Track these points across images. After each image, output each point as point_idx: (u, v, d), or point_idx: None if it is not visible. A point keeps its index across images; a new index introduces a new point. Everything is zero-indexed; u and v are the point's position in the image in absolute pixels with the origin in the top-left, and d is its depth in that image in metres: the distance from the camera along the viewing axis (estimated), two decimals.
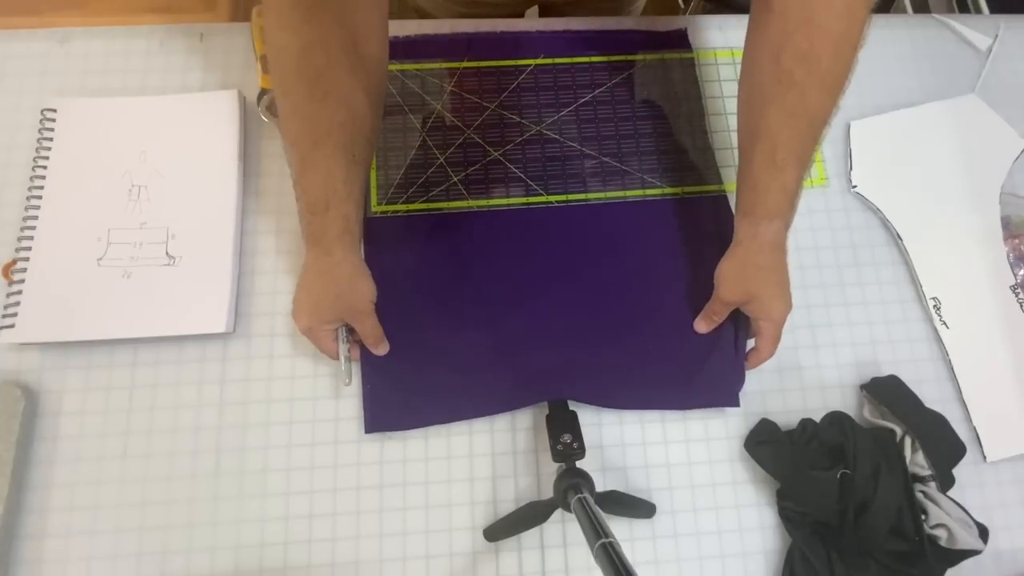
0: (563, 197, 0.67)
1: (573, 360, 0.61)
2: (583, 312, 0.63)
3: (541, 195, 0.67)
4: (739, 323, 0.62)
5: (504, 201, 0.67)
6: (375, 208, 0.66)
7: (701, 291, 0.64)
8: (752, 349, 0.61)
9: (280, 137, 0.54)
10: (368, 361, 0.60)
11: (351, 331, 0.59)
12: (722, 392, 0.61)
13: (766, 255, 0.57)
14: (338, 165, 0.53)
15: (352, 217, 0.55)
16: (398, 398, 0.59)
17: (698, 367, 0.62)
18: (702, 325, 0.62)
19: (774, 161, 0.54)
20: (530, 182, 0.68)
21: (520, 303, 0.63)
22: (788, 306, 0.59)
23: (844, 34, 0.52)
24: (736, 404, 0.61)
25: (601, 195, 0.68)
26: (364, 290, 0.57)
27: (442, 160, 0.68)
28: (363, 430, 0.59)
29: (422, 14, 0.86)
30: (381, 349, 0.60)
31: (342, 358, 0.58)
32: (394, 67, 0.71)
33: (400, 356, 0.61)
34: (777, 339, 0.60)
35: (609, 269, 0.65)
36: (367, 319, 0.58)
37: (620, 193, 0.68)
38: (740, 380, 0.61)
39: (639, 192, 0.68)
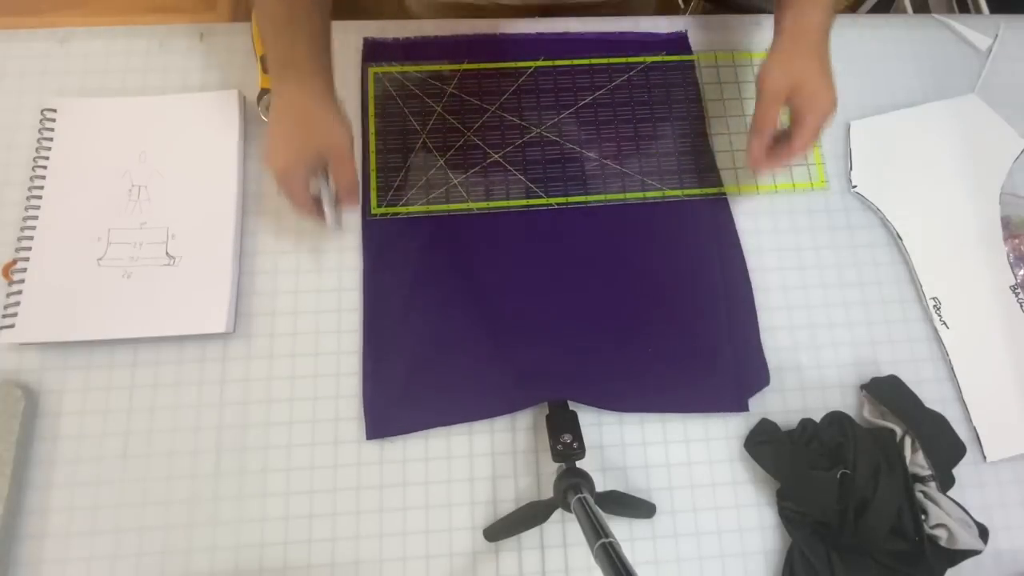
0: (563, 199, 0.67)
1: (573, 362, 0.61)
2: (583, 314, 0.63)
3: (541, 197, 0.67)
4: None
5: (504, 203, 0.67)
6: (375, 210, 0.65)
7: (701, 293, 0.64)
8: (784, 140, 0.58)
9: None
10: (368, 366, 0.60)
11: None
12: (726, 397, 0.61)
13: (811, 40, 0.56)
14: None
15: (319, 44, 0.54)
16: (398, 403, 0.59)
17: (700, 368, 0.62)
18: (755, 143, 0.59)
19: None
20: (530, 184, 0.68)
21: (520, 305, 0.63)
22: (834, 101, 0.56)
23: None
24: (744, 408, 0.61)
25: (601, 197, 0.68)
26: (341, 124, 0.55)
27: (442, 162, 0.68)
28: (363, 430, 0.59)
29: (426, 11, 0.85)
30: (353, 198, 0.57)
31: (326, 201, 0.56)
32: (394, 69, 0.71)
33: (400, 359, 0.60)
34: (817, 134, 0.57)
35: (609, 271, 0.65)
36: (346, 158, 0.55)
37: (620, 195, 0.68)
38: (761, 381, 0.62)
39: (639, 194, 0.68)
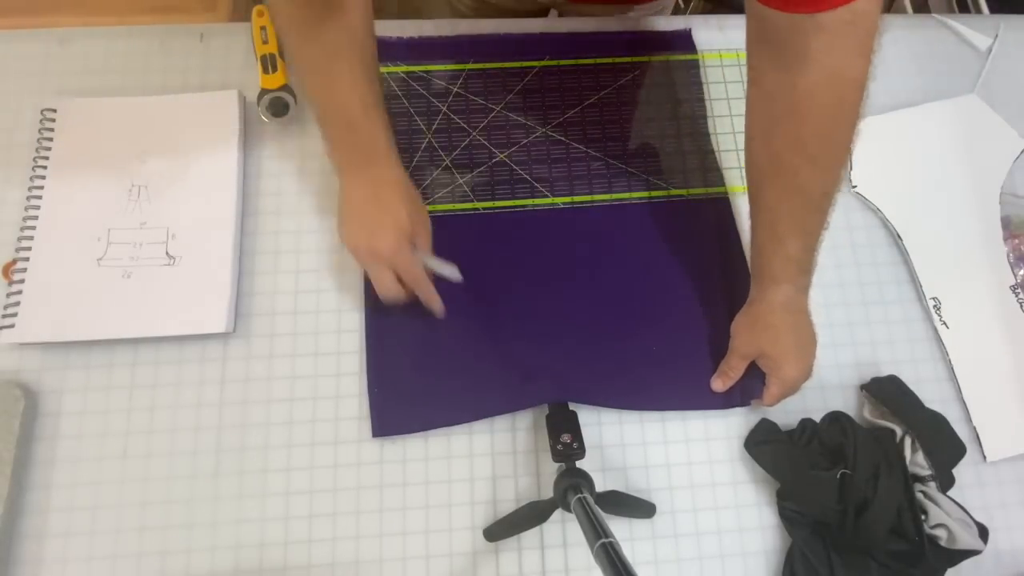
0: (568, 199, 0.67)
1: (578, 361, 0.61)
2: (588, 314, 0.63)
3: (546, 197, 0.67)
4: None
5: (509, 203, 0.67)
6: None
7: (705, 292, 0.64)
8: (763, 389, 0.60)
9: (297, 87, 0.56)
10: (374, 366, 0.60)
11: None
12: (726, 394, 0.61)
13: (777, 315, 0.57)
14: (360, 76, 0.53)
15: (390, 130, 0.55)
16: (404, 402, 0.59)
17: (701, 367, 0.62)
18: (718, 383, 0.61)
19: (775, 233, 0.55)
20: (535, 184, 0.68)
21: (525, 305, 0.63)
22: (803, 371, 0.58)
23: (834, 120, 0.50)
24: (745, 404, 0.62)
25: (606, 197, 0.68)
26: (418, 195, 0.58)
27: (448, 162, 0.68)
28: (363, 430, 0.59)
29: (421, 12, 0.86)
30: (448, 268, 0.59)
31: (437, 264, 0.57)
32: (399, 69, 0.71)
33: (406, 359, 0.61)
34: (782, 397, 0.59)
35: (614, 271, 0.65)
36: (429, 234, 0.57)
37: (625, 195, 0.68)
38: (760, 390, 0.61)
39: (644, 194, 0.68)
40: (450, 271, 0.57)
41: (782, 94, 0.50)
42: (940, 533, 0.55)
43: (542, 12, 0.84)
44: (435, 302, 0.59)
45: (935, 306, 0.66)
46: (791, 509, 0.58)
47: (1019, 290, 0.67)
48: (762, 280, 0.58)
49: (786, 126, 0.51)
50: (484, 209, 0.66)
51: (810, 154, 0.51)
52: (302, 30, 0.53)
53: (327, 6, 0.52)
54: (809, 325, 0.59)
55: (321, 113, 0.56)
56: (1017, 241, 0.69)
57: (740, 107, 0.72)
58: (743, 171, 0.69)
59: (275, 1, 0.54)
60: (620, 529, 0.58)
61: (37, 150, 0.64)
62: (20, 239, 0.61)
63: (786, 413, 0.62)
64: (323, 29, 0.52)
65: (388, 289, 0.57)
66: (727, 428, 0.62)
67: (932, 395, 0.63)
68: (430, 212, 0.65)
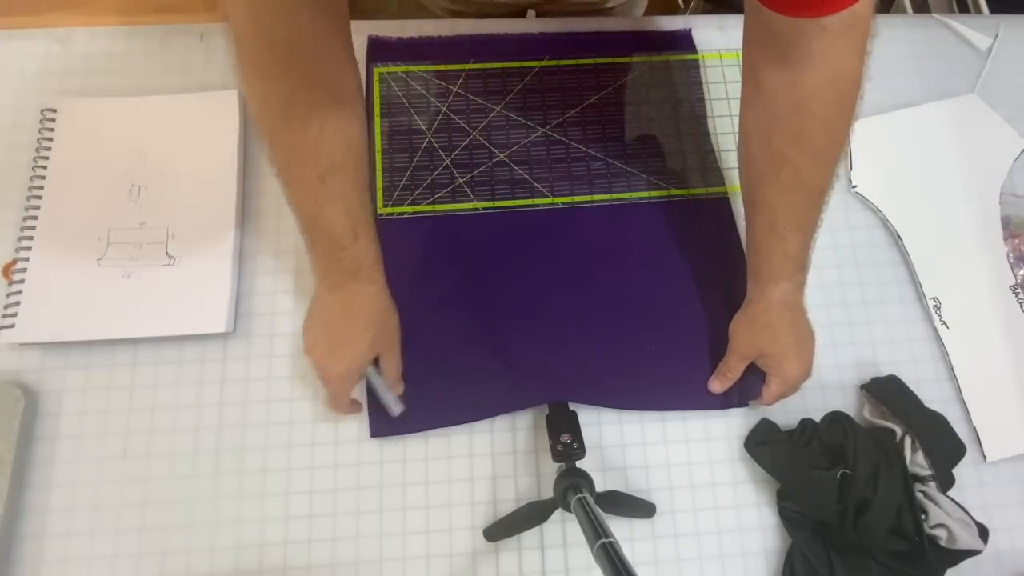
0: (568, 199, 0.67)
1: (578, 361, 0.61)
2: (588, 314, 0.63)
3: (546, 197, 0.67)
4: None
5: (509, 203, 0.67)
6: (381, 210, 0.66)
7: (705, 292, 0.64)
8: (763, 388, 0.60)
9: (280, 190, 0.52)
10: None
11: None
12: (726, 394, 0.61)
13: (776, 313, 0.58)
14: (352, 194, 0.52)
15: (377, 242, 0.54)
16: (402, 401, 0.59)
17: (701, 367, 0.62)
18: (716, 384, 0.61)
19: (775, 230, 0.56)
20: (535, 184, 0.68)
21: (525, 305, 0.63)
22: (804, 369, 0.58)
23: (835, 118, 0.52)
24: (744, 404, 0.62)
25: (606, 197, 0.68)
26: (396, 318, 0.57)
27: (448, 162, 0.68)
28: (363, 430, 0.59)
29: (421, 11, 0.86)
30: (400, 387, 0.59)
31: (380, 391, 0.57)
32: (399, 69, 0.71)
33: (404, 359, 0.60)
34: (782, 396, 0.59)
35: (614, 271, 0.65)
36: (397, 351, 0.57)
37: (625, 195, 0.68)
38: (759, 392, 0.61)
39: (644, 194, 0.68)
40: (394, 404, 0.57)
41: (784, 92, 0.51)
42: (940, 533, 0.55)
43: (519, 13, 0.84)
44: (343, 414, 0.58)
45: (935, 306, 0.66)
46: (791, 509, 0.58)
47: (1019, 290, 0.67)
48: (760, 279, 0.58)
49: (788, 123, 0.52)
50: (484, 209, 0.66)
51: (812, 150, 0.52)
52: (290, 143, 0.49)
53: (332, 99, 0.49)
54: (807, 322, 0.59)
55: (306, 227, 0.53)
56: (1017, 241, 0.69)
57: (739, 107, 0.72)
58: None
59: (258, 100, 0.49)
60: (620, 529, 0.57)
61: (37, 150, 0.64)
62: (20, 239, 0.61)
63: (786, 413, 0.62)
64: (317, 139, 0.49)
65: (332, 407, 0.58)
66: (727, 428, 0.62)
67: (932, 395, 0.63)
68: (430, 212, 0.66)
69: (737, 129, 0.68)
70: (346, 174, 0.51)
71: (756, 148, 0.55)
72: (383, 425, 0.59)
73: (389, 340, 0.57)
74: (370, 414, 0.59)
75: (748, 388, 0.61)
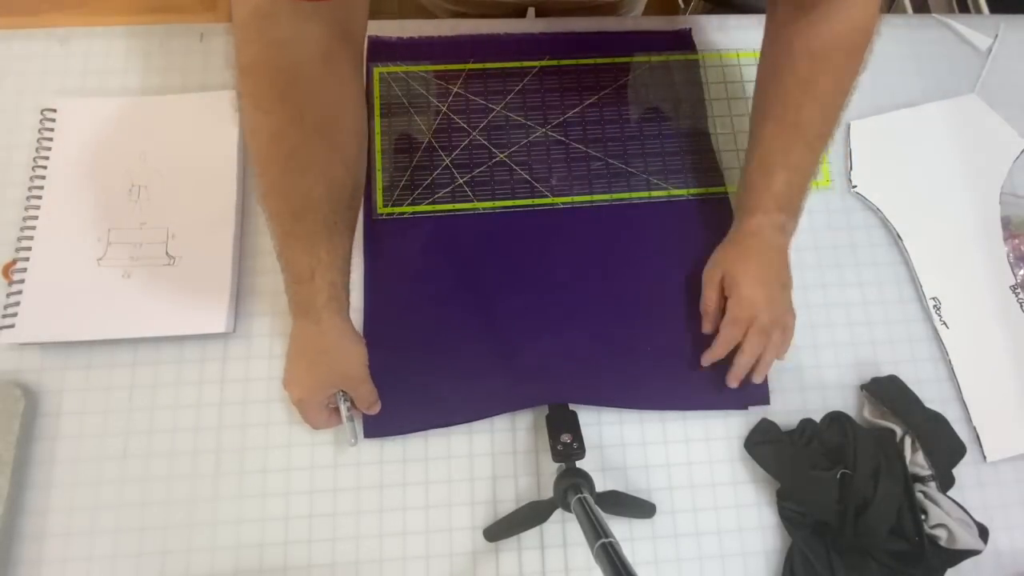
0: (568, 199, 0.67)
1: (578, 362, 0.62)
2: (588, 314, 0.63)
3: (546, 197, 0.67)
4: None
5: (510, 203, 0.67)
6: (380, 210, 0.66)
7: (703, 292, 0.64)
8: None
9: (262, 211, 0.53)
10: (370, 364, 0.60)
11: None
12: (726, 395, 0.61)
13: (746, 239, 0.59)
14: (320, 236, 0.52)
15: (338, 284, 0.55)
16: (399, 402, 0.59)
17: (703, 369, 0.62)
18: (707, 325, 0.61)
19: (763, 165, 0.59)
20: (535, 184, 0.68)
21: (523, 305, 0.63)
22: (764, 297, 0.57)
23: (846, 68, 0.56)
24: (744, 407, 0.61)
25: (606, 197, 0.68)
26: (356, 354, 0.57)
27: (448, 162, 0.68)
28: (363, 432, 0.59)
29: (421, 12, 0.86)
30: (374, 410, 0.59)
31: (344, 419, 0.57)
32: (399, 69, 0.71)
33: (402, 359, 0.60)
34: (740, 322, 0.57)
35: (614, 271, 0.65)
36: (362, 384, 0.57)
37: (625, 195, 0.68)
38: (761, 398, 0.62)
39: (644, 194, 0.68)
40: (351, 435, 0.57)
41: (802, 39, 0.55)
42: (940, 533, 0.55)
43: (520, 13, 0.84)
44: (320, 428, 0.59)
45: (935, 306, 0.66)
46: (791, 509, 0.58)
47: (1019, 290, 0.67)
48: (740, 213, 0.61)
49: (800, 68, 0.56)
50: (484, 209, 0.66)
51: (818, 94, 0.56)
52: (272, 177, 0.51)
53: (321, 139, 0.50)
54: (783, 265, 0.59)
55: (277, 253, 0.54)
56: (1017, 241, 0.69)
57: (740, 107, 0.72)
58: (743, 171, 0.70)
59: (249, 130, 0.50)
60: (620, 529, 0.58)
61: (37, 150, 0.64)
62: (20, 239, 0.61)
63: (786, 413, 0.62)
64: (296, 179, 0.50)
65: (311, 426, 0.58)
66: (727, 428, 0.62)
67: (932, 395, 0.63)
68: (430, 212, 0.66)
69: (737, 129, 0.69)
70: (317, 219, 0.52)
71: (765, 91, 0.60)
72: (379, 426, 0.59)
73: (341, 375, 0.56)
74: (365, 416, 0.59)
75: (749, 391, 0.61)
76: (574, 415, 0.58)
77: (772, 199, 0.58)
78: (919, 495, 0.56)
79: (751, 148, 0.61)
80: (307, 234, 0.52)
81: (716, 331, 0.60)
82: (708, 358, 0.59)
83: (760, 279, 0.58)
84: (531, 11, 0.86)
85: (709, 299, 0.61)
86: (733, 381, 0.59)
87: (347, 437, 0.57)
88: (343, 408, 0.57)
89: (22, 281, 0.59)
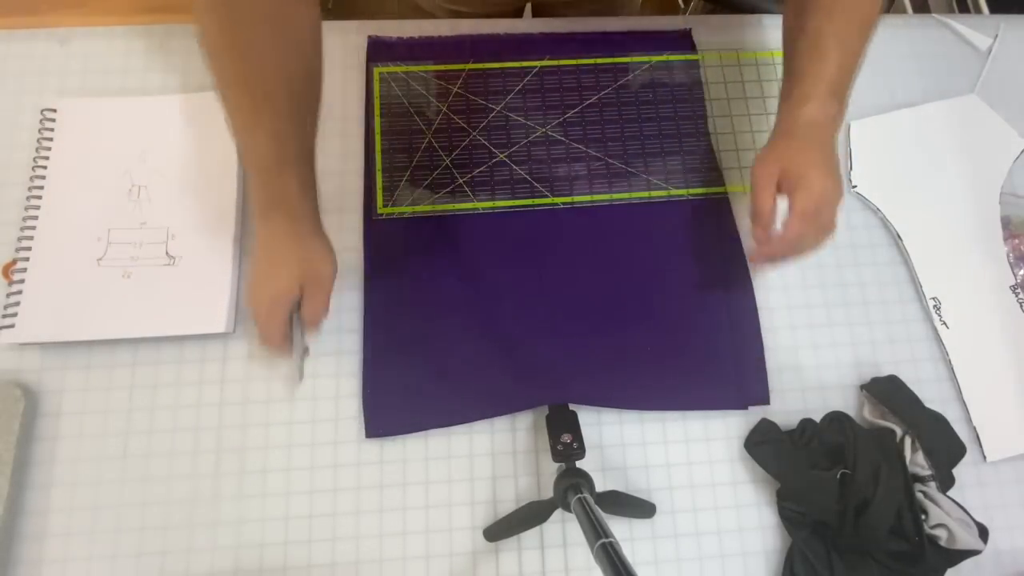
0: (568, 199, 0.67)
1: (577, 362, 0.61)
2: (588, 314, 0.63)
3: (546, 197, 0.67)
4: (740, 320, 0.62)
5: (509, 203, 0.67)
6: (381, 210, 0.66)
7: (705, 293, 0.64)
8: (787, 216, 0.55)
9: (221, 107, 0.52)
10: (368, 365, 0.60)
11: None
12: (726, 395, 0.61)
13: (802, 129, 0.56)
14: (284, 125, 0.52)
15: (308, 176, 0.53)
16: (399, 402, 0.59)
17: (701, 367, 0.62)
18: (756, 231, 0.56)
19: (817, 49, 0.56)
20: (536, 184, 0.68)
21: (523, 305, 0.63)
22: (834, 184, 0.54)
23: None
24: (744, 407, 0.61)
25: (606, 197, 0.68)
26: (329, 253, 0.55)
27: (448, 162, 0.68)
28: (363, 430, 0.59)
29: (417, 12, 0.86)
30: (318, 323, 0.57)
31: (296, 350, 0.56)
32: (399, 69, 0.71)
33: (402, 359, 0.61)
34: (810, 216, 0.54)
35: (614, 271, 0.65)
36: (327, 288, 0.55)
37: (625, 195, 0.68)
38: (761, 397, 0.62)
39: (644, 194, 0.68)
40: (297, 372, 0.57)
41: None
42: (940, 533, 0.55)
43: (517, 11, 0.84)
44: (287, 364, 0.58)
45: (935, 306, 0.66)
46: (791, 509, 0.58)
47: (1019, 290, 0.67)
48: (789, 102, 0.57)
49: None
50: (484, 209, 0.66)
51: None
52: (230, 70, 0.51)
53: (275, 33, 0.50)
54: (835, 150, 0.57)
55: (241, 154, 0.53)
56: (1017, 241, 0.69)
57: (740, 107, 0.72)
58: (743, 171, 0.70)
59: (203, 23, 0.50)
60: (620, 529, 0.58)
61: (37, 150, 0.64)
62: (20, 239, 0.61)
63: (786, 413, 0.62)
64: (254, 69, 0.51)
65: (261, 339, 0.56)
66: (727, 428, 0.62)
67: (932, 395, 0.63)
68: (430, 212, 0.66)
69: (737, 129, 0.68)
70: (279, 105, 0.51)
71: None
72: (378, 426, 0.59)
73: (314, 279, 0.55)
74: (365, 414, 0.59)
75: (748, 390, 0.61)
76: (574, 415, 0.58)
77: (824, 85, 0.56)
78: (919, 495, 0.56)
79: (796, 41, 0.58)
80: (270, 123, 0.51)
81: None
82: (763, 255, 0.56)
83: (830, 171, 0.55)
84: (528, 11, 0.86)
85: (764, 200, 0.55)
86: (761, 259, 0.56)
87: (294, 373, 0.56)
88: (297, 332, 0.56)
89: (22, 281, 0.59)
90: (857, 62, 0.57)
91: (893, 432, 0.59)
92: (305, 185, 0.54)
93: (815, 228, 0.54)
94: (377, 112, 0.69)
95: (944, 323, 0.66)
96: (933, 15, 0.79)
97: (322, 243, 0.56)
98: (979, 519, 0.57)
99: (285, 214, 0.53)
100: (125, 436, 0.58)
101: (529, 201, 0.67)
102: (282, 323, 0.55)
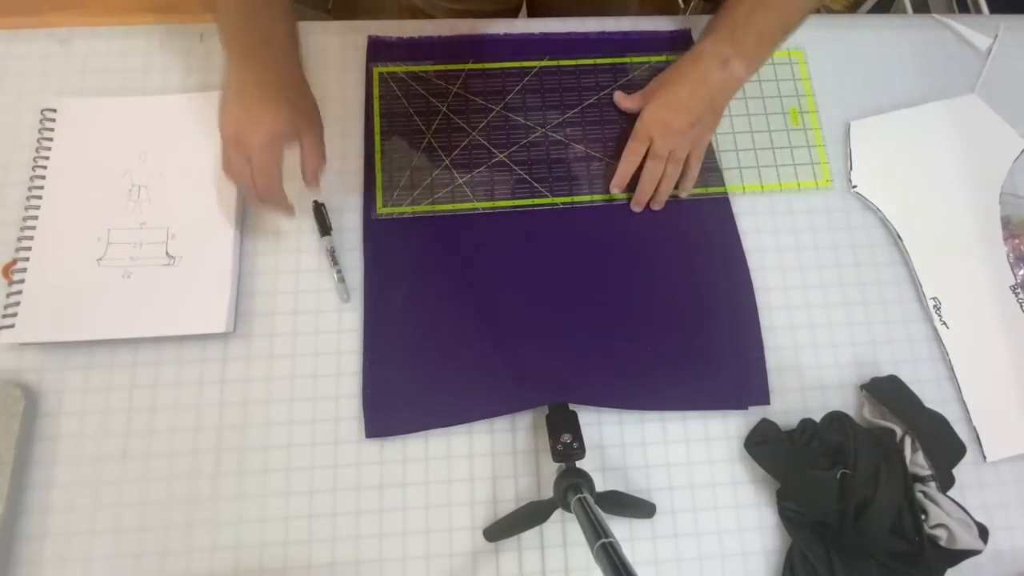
0: (568, 199, 0.67)
1: (577, 362, 0.61)
2: (587, 314, 0.63)
3: (546, 197, 0.67)
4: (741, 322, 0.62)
5: (509, 203, 0.67)
6: (380, 210, 0.65)
7: (704, 293, 0.64)
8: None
9: None
10: (368, 365, 0.60)
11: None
12: (726, 395, 0.61)
13: (681, 64, 0.59)
14: None
15: (294, 32, 0.52)
16: (399, 402, 0.59)
17: (701, 367, 0.62)
18: (621, 98, 0.63)
19: (735, 4, 0.59)
20: (535, 184, 0.68)
21: (524, 305, 0.63)
22: (669, 124, 0.57)
23: None
24: (744, 407, 0.61)
25: (606, 197, 0.68)
26: (311, 96, 0.54)
27: (447, 162, 0.68)
28: (363, 430, 0.59)
29: (414, 13, 0.86)
30: (321, 164, 0.55)
31: (334, 274, 0.58)
32: (399, 69, 0.71)
33: (402, 359, 0.61)
34: (637, 143, 0.58)
35: (613, 271, 0.65)
36: (321, 135, 0.53)
37: (625, 195, 0.68)
38: (761, 397, 0.62)
39: None
40: (340, 291, 0.59)
41: None
42: (940, 533, 0.55)
43: (515, 10, 0.84)
44: (281, 210, 0.56)
45: (935, 306, 0.66)
46: (791, 509, 0.58)
47: (1019, 290, 0.67)
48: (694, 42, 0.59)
49: None
50: (484, 209, 0.66)
51: None
52: None
53: None
54: (710, 104, 0.58)
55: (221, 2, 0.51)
56: (1017, 241, 0.69)
57: (739, 107, 0.72)
58: (743, 171, 0.70)
59: None
60: (620, 529, 0.58)
61: (37, 150, 0.64)
62: (20, 239, 0.61)
63: (786, 413, 0.62)
64: None
65: (240, 179, 0.54)
66: (727, 428, 0.62)
67: (932, 395, 0.63)
68: (430, 212, 0.66)
69: (737, 129, 0.69)
70: None
71: None
72: (379, 426, 0.59)
73: (307, 119, 0.54)
74: (365, 414, 0.59)
75: (748, 390, 0.61)
76: (574, 415, 0.58)
77: (727, 27, 0.57)
78: (919, 495, 0.56)
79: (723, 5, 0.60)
80: None
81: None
82: (615, 183, 0.61)
83: (673, 105, 0.57)
84: (524, 10, 0.86)
85: (627, 99, 0.60)
86: (636, 206, 0.62)
87: (343, 294, 0.60)
88: (334, 272, 0.61)
89: (22, 281, 0.59)
90: (767, 19, 0.58)
91: (893, 432, 0.59)
92: (292, 33, 0.52)
93: (652, 160, 0.57)
94: (377, 112, 0.69)
95: (944, 323, 0.66)
96: (933, 15, 0.79)
97: (309, 91, 0.55)
98: (979, 519, 0.57)
99: (277, 52, 0.52)
100: (125, 436, 0.58)
101: (529, 201, 0.67)
102: (279, 164, 0.53)
